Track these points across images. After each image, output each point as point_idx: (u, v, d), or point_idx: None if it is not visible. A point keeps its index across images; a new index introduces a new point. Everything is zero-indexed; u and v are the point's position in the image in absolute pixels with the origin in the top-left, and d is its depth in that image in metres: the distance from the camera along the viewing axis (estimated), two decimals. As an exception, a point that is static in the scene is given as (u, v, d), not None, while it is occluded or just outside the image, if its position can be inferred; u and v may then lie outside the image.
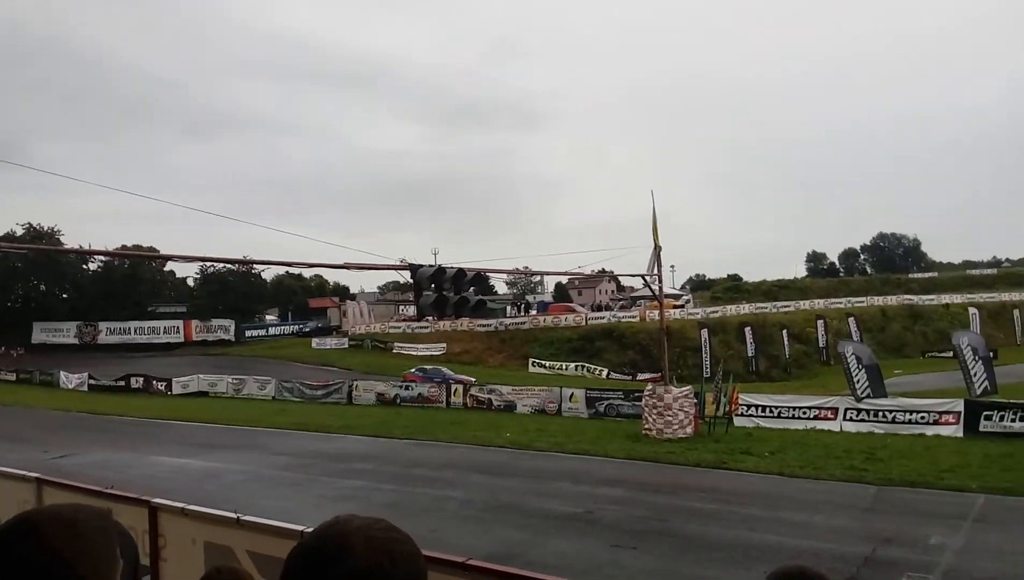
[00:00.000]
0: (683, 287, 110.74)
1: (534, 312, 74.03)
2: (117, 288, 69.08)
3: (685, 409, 21.19)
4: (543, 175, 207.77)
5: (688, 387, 22.64)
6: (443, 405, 30.92)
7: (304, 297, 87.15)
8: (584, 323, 59.48)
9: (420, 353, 56.91)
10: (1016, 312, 65.13)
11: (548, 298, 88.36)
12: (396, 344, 60.05)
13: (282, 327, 75.12)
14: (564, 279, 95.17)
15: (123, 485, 6.96)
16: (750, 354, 52.12)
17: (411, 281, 17.12)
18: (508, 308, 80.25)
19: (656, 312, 33.90)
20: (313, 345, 61.68)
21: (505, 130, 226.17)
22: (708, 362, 45.70)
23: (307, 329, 72.56)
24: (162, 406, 32.63)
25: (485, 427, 23.62)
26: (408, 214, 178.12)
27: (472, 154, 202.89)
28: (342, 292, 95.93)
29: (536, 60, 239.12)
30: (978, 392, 22.62)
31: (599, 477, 15.50)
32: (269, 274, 79.11)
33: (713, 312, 62.80)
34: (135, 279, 70.86)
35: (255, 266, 60.47)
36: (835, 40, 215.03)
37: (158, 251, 59.19)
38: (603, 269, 60.10)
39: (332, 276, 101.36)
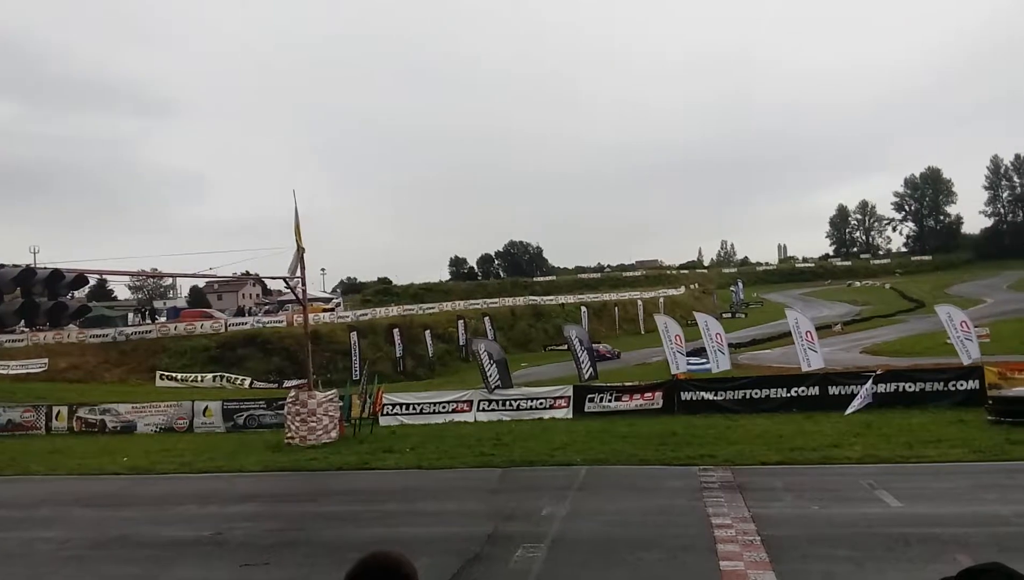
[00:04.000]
0: (334, 290, 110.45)
1: (163, 319, 66.70)
2: None
3: (330, 413, 20.89)
4: (177, 169, 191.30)
5: (333, 391, 22.38)
6: (42, 431, 26.17)
7: None
8: (224, 330, 55.44)
9: (13, 371, 47.58)
10: (616, 309, 77.47)
11: (182, 304, 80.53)
12: (-22, 362, 49.37)
13: None
14: (201, 282, 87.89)
15: None
16: (398, 355, 53.77)
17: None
18: (130, 315, 71.11)
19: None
20: None
21: (127, 117, 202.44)
22: (358, 364, 45.96)
23: None
24: None
25: (96, 454, 20.53)
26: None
27: (86, 140, 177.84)
28: None
29: (159, 43, 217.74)
30: (585, 377, 26.17)
31: (231, 494, 14.42)
32: None
33: (363, 315, 63.48)
34: None
35: None
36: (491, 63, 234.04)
37: None
38: (247, 271, 56.72)
39: None
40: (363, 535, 10.66)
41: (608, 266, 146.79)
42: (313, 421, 20.21)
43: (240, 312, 71.66)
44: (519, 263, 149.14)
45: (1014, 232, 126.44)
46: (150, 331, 56.80)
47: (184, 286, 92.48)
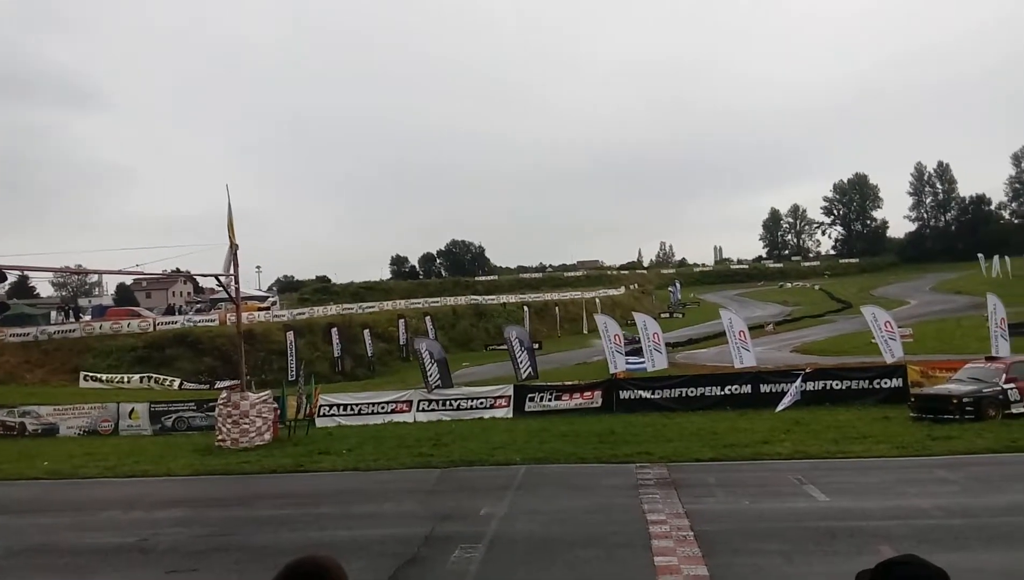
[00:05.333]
0: (270, 289, 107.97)
1: (88, 318, 63.93)
2: None
3: (263, 415, 20.36)
4: (106, 163, 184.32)
5: (267, 392, 21.85)
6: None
7: None
8: (152, 329, 53.47)
9: (-75, 373, 45.02)
10: (557, 309, 77.94)
11: (108, 302, 77.42)
12: None
13: None
14: (128, 280, 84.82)
15: None
16: (336, 354, 52.85)
17: None
18: (53, 313, 67.90)
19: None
20: None
21: (46, 107, 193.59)
22: (294, 365, 44.99)
23: None
24: None
25: (14, 458, 19.57)
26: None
27: (4, 129, 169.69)
28: None
29: (82, 31, 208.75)
30: (524, 377, 26.20)
31: (158, 499, 13.94)
32: None
33: (300, 314, 62.17)
34: None
35: None
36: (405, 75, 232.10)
37: None
38: (178, 268, 55.00)
39: None
40: (296, 539, 10.41)
41: (550, 266, 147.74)
42: (246, 423, 19.67)
43: (170, 310, 69.31)
44: (461, 262, 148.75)
45: (936, 236, 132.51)
46: (74, 330, 54.38)
47: (111, 283, 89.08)
